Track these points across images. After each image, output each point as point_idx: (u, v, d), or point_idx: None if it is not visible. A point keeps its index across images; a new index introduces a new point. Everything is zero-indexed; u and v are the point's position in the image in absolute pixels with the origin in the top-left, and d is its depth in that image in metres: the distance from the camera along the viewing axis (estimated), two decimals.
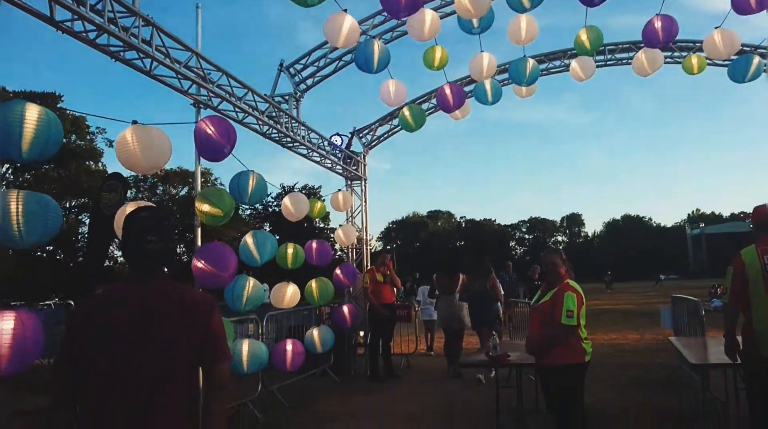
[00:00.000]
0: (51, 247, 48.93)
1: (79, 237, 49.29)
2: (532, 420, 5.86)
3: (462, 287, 9.50)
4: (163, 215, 2.27)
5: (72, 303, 15.22)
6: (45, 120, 3.76)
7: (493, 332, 5.83)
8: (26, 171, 48.28)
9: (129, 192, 51.17)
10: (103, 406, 2.04)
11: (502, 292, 9.76)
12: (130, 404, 2.02)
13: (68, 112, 45.86)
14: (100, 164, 48.61)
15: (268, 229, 42.29)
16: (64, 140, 37.88)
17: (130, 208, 4.84)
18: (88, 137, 48.21)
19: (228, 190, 6.24)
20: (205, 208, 5.74)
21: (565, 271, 4.65)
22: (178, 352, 2.09)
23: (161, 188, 57.69)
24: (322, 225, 50.49)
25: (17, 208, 3.57)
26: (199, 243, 5.85)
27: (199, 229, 5.97)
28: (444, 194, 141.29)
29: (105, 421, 2.04)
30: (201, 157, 5.86)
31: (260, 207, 53.54)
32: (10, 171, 48.67)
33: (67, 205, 50.80)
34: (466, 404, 7.24)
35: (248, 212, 54.04)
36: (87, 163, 48.16)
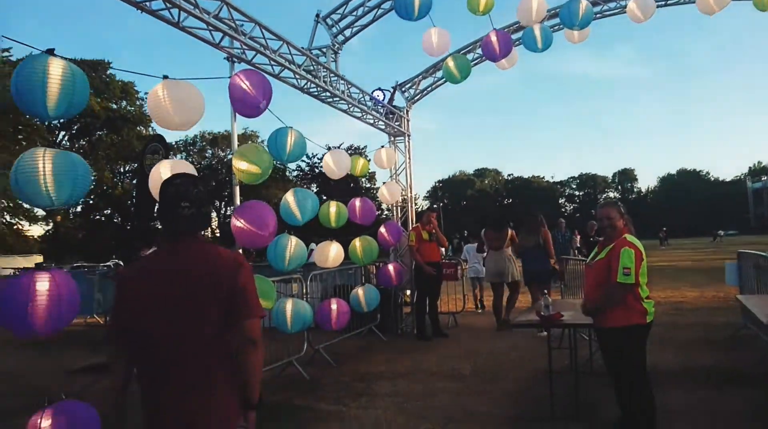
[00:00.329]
0: (109, 211, 50.67)
1: (134, 200, 50.74)
2: (586, 382, 5.59)
3: (510, 243, 9.40)
4: (196, 182, 2.35)
5: (121, 263, 15.64)
6: (69, 75, 3.60)
7: (545, 291, 5.52)
8: (81, 137, 49.75)
9: (179, 155, 52.19)
10: (147, 363, 2.22)
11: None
12: (171, 361, 2.17)
13: (118, 81, 46.68)
14: (150, 129, 49.51)
15: (315, 191, 42.53)
16: (115, 106, 38.76)
17: (163, 167, 4.73)
18: (137, 103, 49.02)
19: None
20: (243, 165, 5.58)
21: (624, 226, 4.30)
22: (210, 311, 2.18)
23: (210, 151, 58.60)
24: (368, 185, 50.46)
25: (43, 166, 3.46)
26: (238, 202, 5.71)
27: (238, 189, 5.83)
28: (491, 152, 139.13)
29: (151, 375, 2.22)
30: (236, 114, 5.67)
31: (307, 168, 53.94)
32: (66, 137, 50.27)
33: (121, 170, 52.30)
34: (516, 364, 7.02)
35: (295, 173, 54.47)
36: (138, 128, 49.14)
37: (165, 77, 4.71)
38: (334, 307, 7.26)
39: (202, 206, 2.33)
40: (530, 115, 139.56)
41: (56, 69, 3.55)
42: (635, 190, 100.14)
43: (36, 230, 52.20)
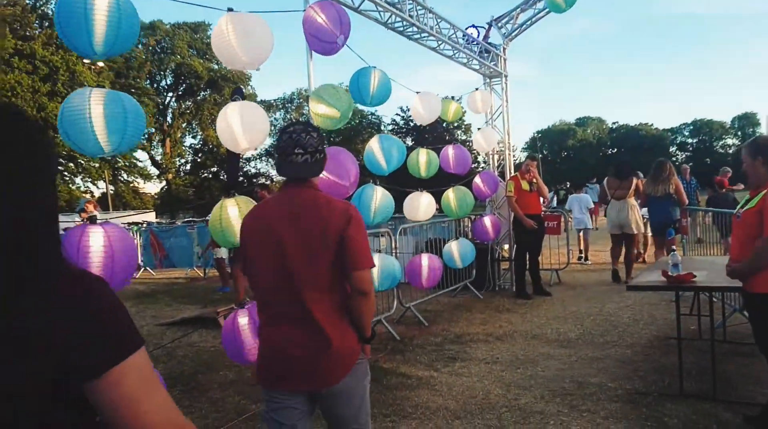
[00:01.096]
0: (215, 168, 52.77)
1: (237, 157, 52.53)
2: (721, 354, 4.75)
3: (633, 193, 8.81)
4: (309, 129, 2.40)
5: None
6: (114, 7, 3.18)
7: (673, 247, 4.67)
8: (187, 98, 51.79)
9: (278, 113, 53.01)
10: (264, 299, 2.39)
11: None
12: (286, 301, 2.29)
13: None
14: (249, 88, 50.53)
15: (410, 144, 41.85)
16: (216, 66, 39.76)
17: (230, 110, 4.31)
18: None
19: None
20: (321, 109, 5.06)
21: None
22: (322, 257, 2.26)
23: (307, 107, 59.17)
24: (463, 137, 49.10)
25: (90, 110, 3.09)
26: None
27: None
28: (593, 100, 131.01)
29: (268, 311, 2.38)
30: (312, 51, 5.14)
31: (401, 121, 53.18)
32: (173, 98, 52.53)
33: None
34: (631, 328, 6.21)
35: (390, 128, 53.93)
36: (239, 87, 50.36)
37: (230, 10, 4.24)
38: (425, 262, 6.74)
39: (316, 152, 2.37)
40: (635, 60, 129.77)
41: (102, 2, 3.15)
42: (759, 135, 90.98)
43: (152, 188, 55.67)
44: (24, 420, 0.93)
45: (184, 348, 6.40)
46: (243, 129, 4.31)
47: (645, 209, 9.08)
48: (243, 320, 4.10)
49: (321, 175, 4.87)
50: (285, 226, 2.29)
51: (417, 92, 6.93)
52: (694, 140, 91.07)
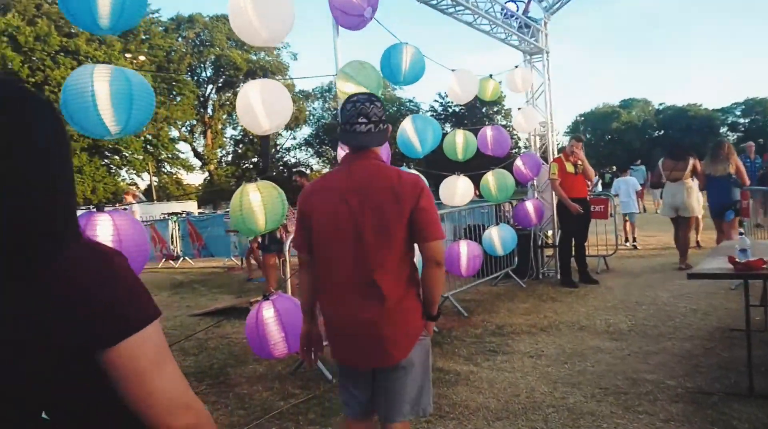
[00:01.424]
0: (255, 159, 53.17)
1: (277, 147, 52.89)
2: None
3: (689, 174, 8.38)
4: (372, 99, 2.38)
5: None
6: None
7: (741, 230, 4.22)
8: (227, 90, 52.23)
9: (316, 102, 52.90)
10: (329, 274, 2.36)
11: None
12: (353, 276, 2.28)
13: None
14: (287, 77, 50.63)
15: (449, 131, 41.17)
16: (254, 56, 39.94)
17: (250, 89, 4.06)
18: (275, 52, 50.20)
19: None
20: (348, 87, 4.76)
21: None
22: (393, 227, 2.25)
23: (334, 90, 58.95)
24: (504, 123, 48.15)
25: (93, 87, 2.85)
26: None
27: None
28: (638, 81, 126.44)
29: (332, 288, 2.36)
30: (339, 26, 4.83)
31: (440, 108, 52.45)
32: (214, 90, 53.08)
33: None
34: (688, 319, 5.74)
35: (429, 114, 53.32)
36: (276, 77, 50.57)
37: None
38: (464, 250, 6.41)
39: (380, 122, 2.36)
40: (682, 38, 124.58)
41: None
42: None
43: (195, 179, 56.53)
44: (51, 392, 0.95)
45: (215, 339, 6.25)
46: (265, 109, 4.05)
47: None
48: (268, 313, 3.89)
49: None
50: (354, 197, 2.28)
51: (452, 70, 6.56)
52: (747, 120, 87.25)
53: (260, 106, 4.02)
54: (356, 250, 2.26)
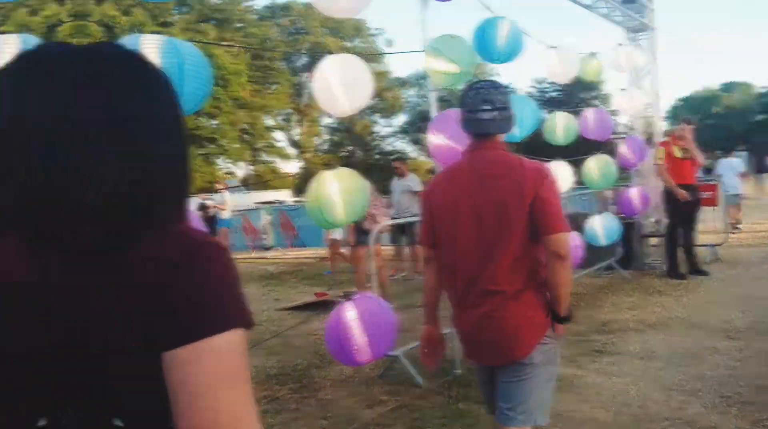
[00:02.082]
0: (351, 147, 53.72)
1: (372, 135, 53.16)
2: None
3: None
4: (498, 86, 2.34)
5: None
6: None
7: None
8: None
9: (411, 90, 52.98)
10: (454, 269, 2.30)
11: None
12: (478, 269, 2.21)
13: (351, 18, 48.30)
14: (383, 64, 50.57)
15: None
16: (349, 43, 40.11)
17: (328, 66, 3.91)
18: (370, 39, 50.26)
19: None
20: (439, 65, 4.56)
21: None
22: (515, 219, 2.17)
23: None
24: (602, 108, 45.82)
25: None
26: (434, 113, 4.78)
27: (434, 96, 4.86)
28: (741, 63, 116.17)
29: (457, 282, 2.29)
30: None
31: (537, 93, 50.64)
32: (306, 77, 54.21)
33: None
34: None
35: None
36: (370, 65, 50.72)
37: None
38: None
39: (504, 109, 2.28)
40: None
41: None
42: None
43: (291, 168, 58.10)
44: (124, 393, 0.85)
45: (302, 337, 6.00)
46: (344, 89, 3.73)
47: None
48: (351, 314, 3.54)
49: (438, 141, 4.50)
50: (477, 189, 2.24)
51: (553, 47, 6.25)
52: None
53: (339, 84, 3.70)
54: (478, 243, 2.21)
